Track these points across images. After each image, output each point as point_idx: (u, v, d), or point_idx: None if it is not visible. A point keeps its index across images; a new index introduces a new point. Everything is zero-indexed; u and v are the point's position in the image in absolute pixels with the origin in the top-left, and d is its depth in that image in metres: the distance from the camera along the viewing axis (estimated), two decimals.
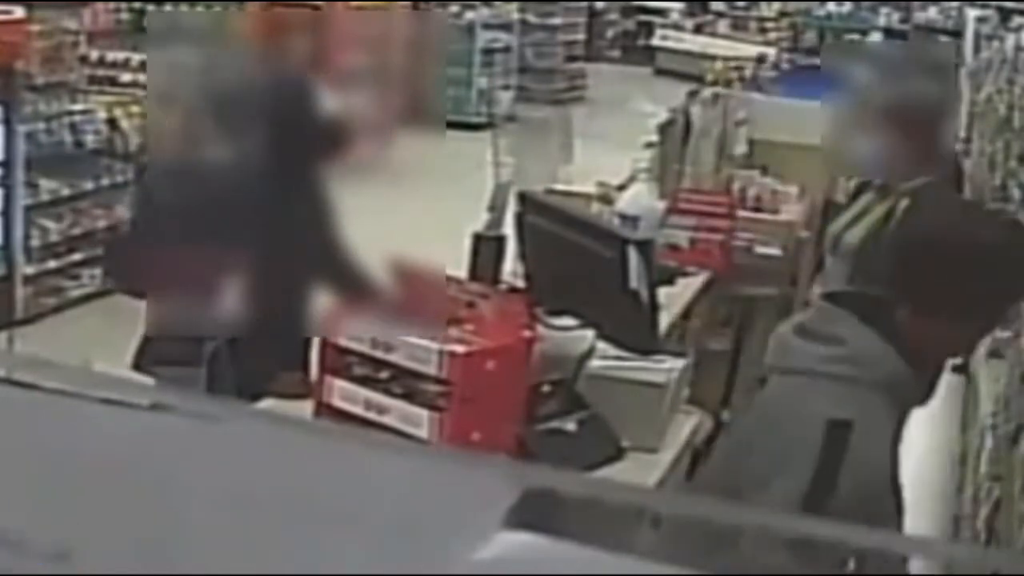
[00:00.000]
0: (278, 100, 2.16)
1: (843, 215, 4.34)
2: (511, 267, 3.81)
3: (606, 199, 4.81)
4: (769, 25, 22.62)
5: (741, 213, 5.09)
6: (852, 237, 4.15)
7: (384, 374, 3.07)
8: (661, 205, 4.77)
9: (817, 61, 9.81)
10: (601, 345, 3.30)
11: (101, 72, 11.40)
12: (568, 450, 3.04)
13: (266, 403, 3.02)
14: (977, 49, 13.83)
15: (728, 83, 7.03)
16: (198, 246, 2.06)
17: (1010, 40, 9.49)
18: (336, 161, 2.22)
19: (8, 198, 7.62)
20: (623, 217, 4.48)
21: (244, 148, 2.13)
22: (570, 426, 3.12)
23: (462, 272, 3.60)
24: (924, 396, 2.24)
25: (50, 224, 7.96)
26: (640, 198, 4.66)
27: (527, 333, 3.09)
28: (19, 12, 8.43)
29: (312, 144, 2.13)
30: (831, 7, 22.32)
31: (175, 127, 2.20)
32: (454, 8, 15.94)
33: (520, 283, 3.64)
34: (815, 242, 4.71)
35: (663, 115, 5.71)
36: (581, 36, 20.21)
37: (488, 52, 16.08)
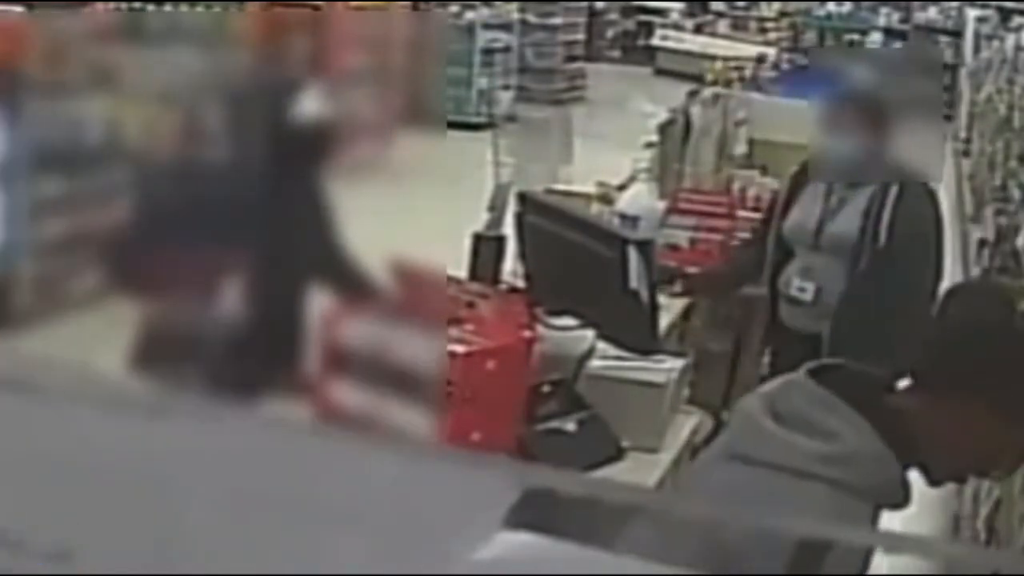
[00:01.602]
0: (262, 101, 2.15)
1: (796, 210, 4.17)
2: (511, 267, 3.81)
3: (606, 199, 4.81)
4: (769, 25, 22.62)
5: (741, 213, 5.10)
6: (842, 227, 4.01)
7: (384, 374, 3.07)
8: (661, 205, 4.77)
9: (808, 61, 9.84)
10: (601, 345, 3.30)
11: (102, 72, 11.43)
12: (568, 450, 3.04)
13: (265, 403, 3.02)
14: (977, 49, 13.84)
15: (728, 83, 7.03)
16: (190, 246, 2.07)
17: (1010, 40, 9.50)
18: (328, 162, 2.22)
19: (8, 198, 7.61)
20: (623, 217, 4.48)
21: (230, 149, 2.14)
22: (570, 426, 3.12)
23: (462, 272, 3.60)
24: (905, 500, 1.88)
25: (50, 224, 7.97)
26: (640, 198, 4.66)
27: (527, 333, 3.09)
28: (19, 12, 8.43)
29: (299, 145, 2.13)
30: (831, 7, 22.32)
31: (166, 128, 2.21)
32: (454, 8, 15.94)
33: (520, 283, 3.64)
34: (758, 238, 4.39)
35: (663, 115, 5.71)
36: (581, 36, 20.20)
37: (488, 52, 16.08)
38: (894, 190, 3.95)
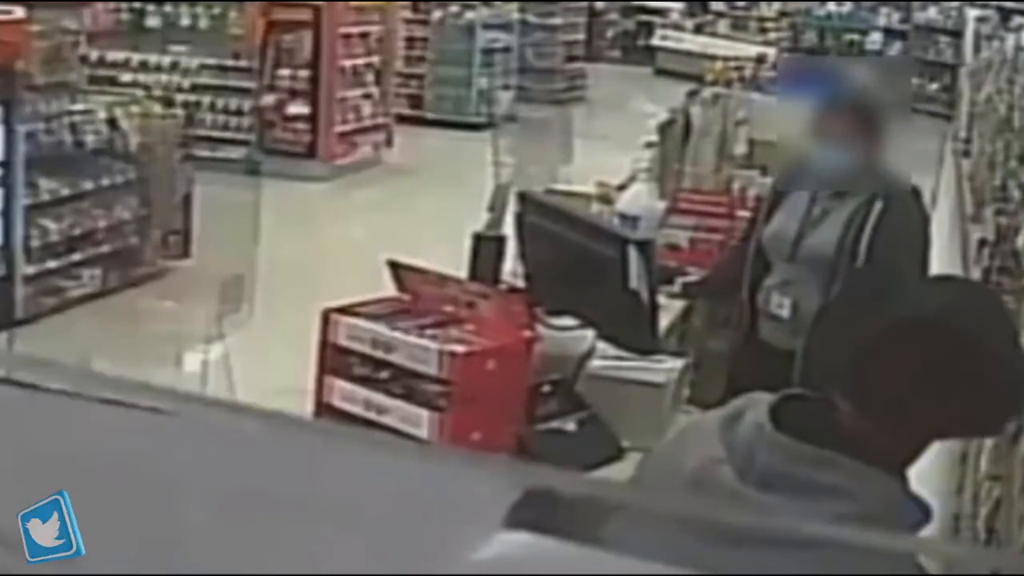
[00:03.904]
0: None
1: (777, 218, 3.95)
2: (511, 267, 3.81)
3: (606, 199, 4.82)
4: (769, 25, 22.61)
5: (741, 213, 5.09)
6: (820, 241, 3.80)
7: (384, 374, 3.07)
8: (661, 205, 4.78)
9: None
10: (601, 345, 3.30)
11: (101, 72, 11.44)
12: (568, 450, 3.04)
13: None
14: (977, 49, 13.84)
15: (728, 83, 7.03)
16: None
17: (1010, 40, 9.49)
18: None
19: (8, 198, 7.62)
20: (623, 217, 4.48)
21: None
22: (570, 426, 3.12)
23: (462, 272, 3.60)
24: (927, 518, 1.66)
25: (50, 224, 7.97)
26: (640, 198, 4.66)
27: (527, 333, 3.09)
28: (19, 12, 8.44)
29: None
30: (831, 7, 22.31)
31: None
32: (454, 8, 15.94)
33: (520, 283, 3.64)
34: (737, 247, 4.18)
35: (663, 115, 5.72)
36: (581, 36, 20.21)
37: (488, 52, 16.07)
38: (878, 206, 3.73)
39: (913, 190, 3.89)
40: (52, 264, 7.96)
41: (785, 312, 3.85)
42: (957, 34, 19.38)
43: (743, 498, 1.61)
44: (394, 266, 3.32)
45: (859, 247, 3.73)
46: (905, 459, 1.71)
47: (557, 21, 18.80)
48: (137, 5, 12.30)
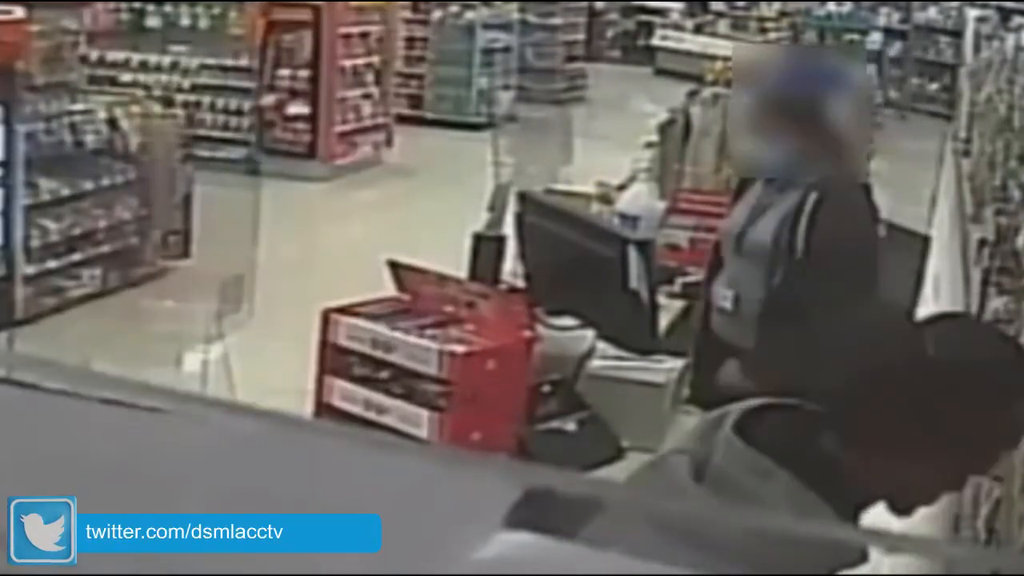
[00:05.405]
0: None
1: (735, 211, 3.86)
2: (511, 267, 3.81)
3: (606, 199, 4.82)
4: (769, 25, 22.61)
5: None
6: (759, 235, 3.69)
7: (384, 374, 3.08)
8: (661, 205, 4.78)
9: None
10: (601, 345, 3.30)
11: (101, 72, 11.44)
12: (568, 450, 3.04)
13: None
14: (977, 49, 13.84)
15: (728, 83, 7.03)
16: None
17: (1010, 40, 9.48)
18: None
19: (8, 198, 7.62)
20: (623, 217, 4.48)
21: None
22: (570, 426, 3.12)
23: (462, 272, 3.61)
24: (863, 558, 1.61)
25: (50, 224, 7.97)
26: (640, 198, 4.67)
27: (527, 333, 3.09)
28: (19, 12, 8.44)
29: None
30: (831, 7, 22.29)
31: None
32: (454, 8, 15.94)
33: (520, 283, 3.64)
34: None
35: (663, 115, 5.72)
36: (581, 36, 20.21)
37: (488, 52, 16.08)
38: (813, 197, 3.58)
39: (861, 184, 3.79)
40: (52, 264, 7.96)
41: (728, 304, 3.75)
42: (957, 34, 19.38)
43: (684, 491, 1.61)
44: (394, 266, 3.32)
45: (795, 240, 3.60)
46: (887, 496, 1.66)
47: (557, 21, 18.80)
48: (137, 5, 12.31)
